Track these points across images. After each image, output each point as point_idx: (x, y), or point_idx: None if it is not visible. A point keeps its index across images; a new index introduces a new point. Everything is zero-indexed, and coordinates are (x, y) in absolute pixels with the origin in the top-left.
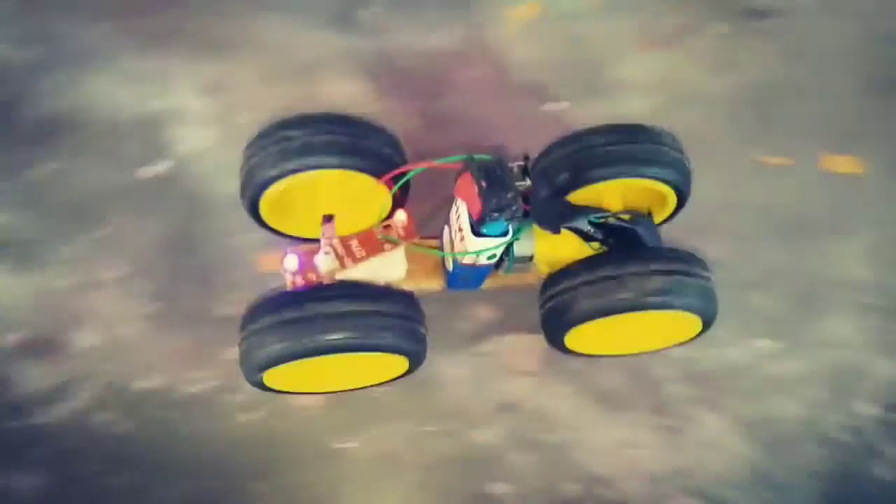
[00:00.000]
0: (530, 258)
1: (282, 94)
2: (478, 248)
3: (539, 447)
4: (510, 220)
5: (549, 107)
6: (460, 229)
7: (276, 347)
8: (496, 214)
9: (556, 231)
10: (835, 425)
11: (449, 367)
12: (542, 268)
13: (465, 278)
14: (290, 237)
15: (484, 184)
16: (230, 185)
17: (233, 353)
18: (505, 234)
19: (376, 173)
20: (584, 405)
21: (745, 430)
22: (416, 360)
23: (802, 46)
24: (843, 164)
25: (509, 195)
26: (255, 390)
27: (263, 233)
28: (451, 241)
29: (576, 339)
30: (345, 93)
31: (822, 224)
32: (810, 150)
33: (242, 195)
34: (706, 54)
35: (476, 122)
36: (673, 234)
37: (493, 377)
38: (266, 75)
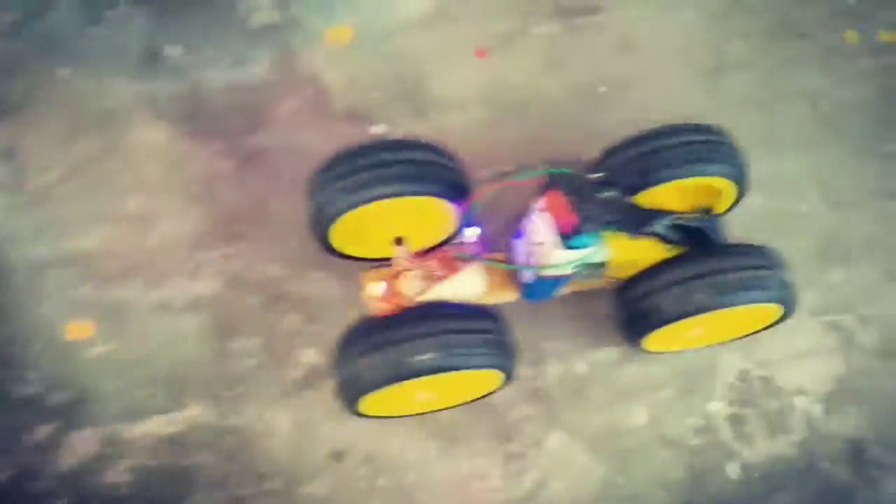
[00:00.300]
0: (604, 264)
1: (83, 149)
2: (565, 261)
3: (376, 494)
4: (597, 230)
5: (375, 129)
6: (542, 243)
7: (375, 374)
8: (590, 226)
9: (636, 236)
10: (685, 428)
11: (271, 421)
12: (618, 272)
13: (542, 289)
14: (359, 260)
15: (575, 199)
16: (29, 252)
17: (36, 436)
18: (591, 244)
19: (448, 197)
20: (422, 441)
21: (592, 445)
22: (510, 374)
23: (629, 38)
24: None
25: (598, 207)
26: (57, 477)
27: (70, 298)
28: (528, 254)
29: (657, 338)
30: (153, 138)
31: None
32: None
33: (312, 227)
34: (535, 56)
35: (299, 153)
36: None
37: (319, 424)
38: (65, 131)
